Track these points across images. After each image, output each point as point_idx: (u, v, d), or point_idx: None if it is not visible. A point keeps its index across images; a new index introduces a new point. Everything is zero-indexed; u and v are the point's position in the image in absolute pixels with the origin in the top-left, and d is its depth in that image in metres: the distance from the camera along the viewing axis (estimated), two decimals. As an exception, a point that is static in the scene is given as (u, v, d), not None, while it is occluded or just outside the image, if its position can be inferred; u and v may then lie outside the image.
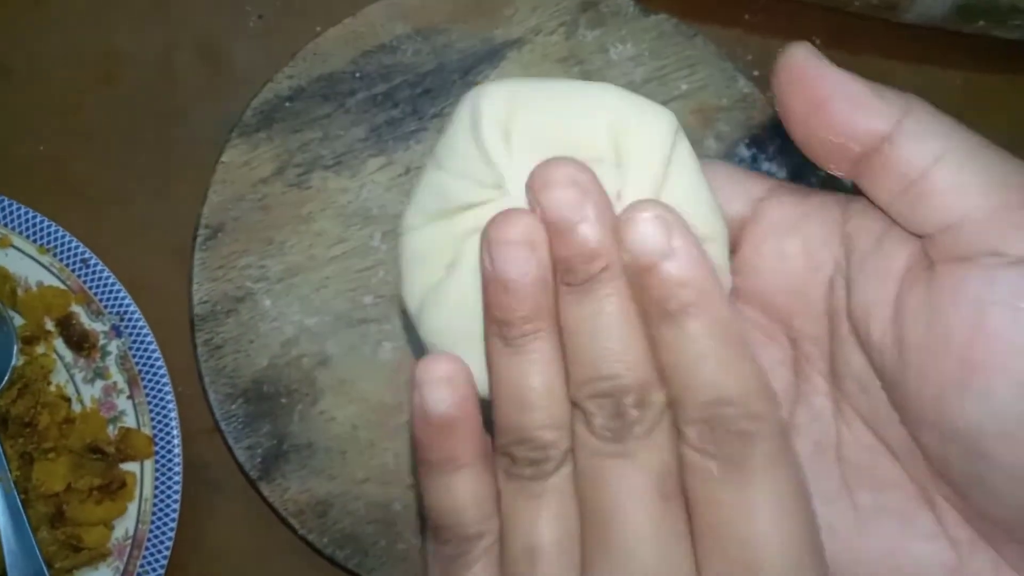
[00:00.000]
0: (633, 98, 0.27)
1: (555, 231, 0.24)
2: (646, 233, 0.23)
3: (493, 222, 0.24)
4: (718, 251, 0.27)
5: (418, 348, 0.27)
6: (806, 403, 0.28)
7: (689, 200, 0.26)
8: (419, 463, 0.26)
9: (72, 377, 0.48)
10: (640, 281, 0.24)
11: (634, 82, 0.51)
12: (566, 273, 0.24)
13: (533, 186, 0.24)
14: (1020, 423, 0.22)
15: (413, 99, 0.50)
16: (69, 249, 0.48)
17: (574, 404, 0.24)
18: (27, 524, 0.45)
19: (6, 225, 0.48)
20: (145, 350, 0.47)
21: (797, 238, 0.28)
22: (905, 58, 0.54)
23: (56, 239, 0.48)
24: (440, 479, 0.25)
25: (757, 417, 0.23)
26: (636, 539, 0.23)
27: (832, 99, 0.25)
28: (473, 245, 0.26)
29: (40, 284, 0.48)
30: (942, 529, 0.25)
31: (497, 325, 0.24)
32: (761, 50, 0.54)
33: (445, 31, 0.51)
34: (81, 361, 0.48)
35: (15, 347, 0.47)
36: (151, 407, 0.47)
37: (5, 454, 0.46)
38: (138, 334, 0.47)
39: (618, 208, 0.25)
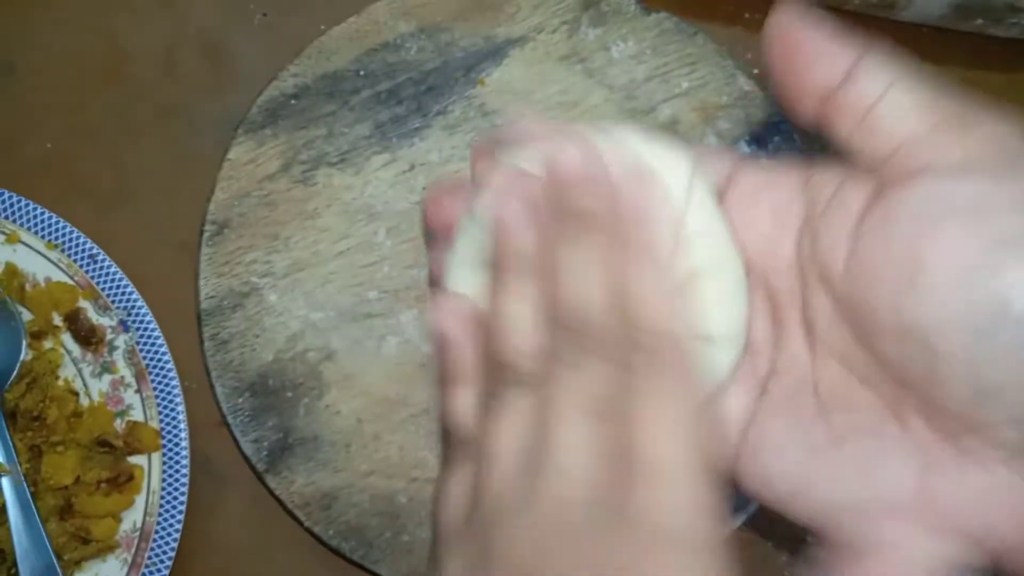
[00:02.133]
0: (654, 137, 0.30)
1: (557, 187, 0.28)
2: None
3: (499, 186, 0.28)
4: (728, 284, 0.29)
5: None
6: (785, 349, 0.30)
7: (707, 231, 0.29)
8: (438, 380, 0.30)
9: (80, 371, 0.48)
10: (621, 228, 0.28)
11: (635, 80, 0.51)
12: (561, 219, 0.28)
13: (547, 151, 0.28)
14: (960, 313, 0.25)
15: (417, 96, 0.51)
16: (77, 245, 0.49)
17: (550, 333, 0.28)
18: (37, 516, 0.46)
19: (15, 222, 0.49)
20: (152, 344, 0.48)
21: (765, 202, 0.30)
22: (902, 56, 0.54)
23: (64, 235, 0.49)
24: (447, 390, 0.29)
25: (655, 338, 0.27)
26: (564, 449, 0.26)
27: (807, 41, 0.29)
28: None
29: (48, 280, 0.48)
30: (908, 435, 0.27)
31: (493, 266, 0.28)
32: (761, 48, 0.54)
33: (448, 29, 0.51)
34: (89, 356, 0.48)
35: (23, 342, 0.48)
36: (158, 401, 0.48)
37: (15, 447, 0.46)
38: (145, 329, 0.48)
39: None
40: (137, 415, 0.48)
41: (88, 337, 0.48)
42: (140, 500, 0.47)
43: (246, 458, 0.47)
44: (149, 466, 0.47)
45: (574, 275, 0.27)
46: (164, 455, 0.47)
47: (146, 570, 0.46)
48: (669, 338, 0.27)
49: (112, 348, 0.48)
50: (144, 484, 0.47)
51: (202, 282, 0.48)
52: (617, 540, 0.25)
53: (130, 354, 0.48)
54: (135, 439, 0.47)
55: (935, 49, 0.54)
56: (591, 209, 0.28)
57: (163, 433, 0.47)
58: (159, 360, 0.48)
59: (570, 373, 0.27)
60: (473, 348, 0.29)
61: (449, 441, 0.30)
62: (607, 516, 0.26)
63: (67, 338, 0.49)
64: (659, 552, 0.25)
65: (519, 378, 0.28)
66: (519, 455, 0.27)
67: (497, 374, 0.28)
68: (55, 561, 0.45)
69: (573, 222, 0.28)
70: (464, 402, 0.29)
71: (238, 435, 0.47)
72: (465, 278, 0.30)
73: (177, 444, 0.47)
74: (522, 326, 0.28)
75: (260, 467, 0.47)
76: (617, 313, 0.27)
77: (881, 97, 0.28)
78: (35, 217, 0.49)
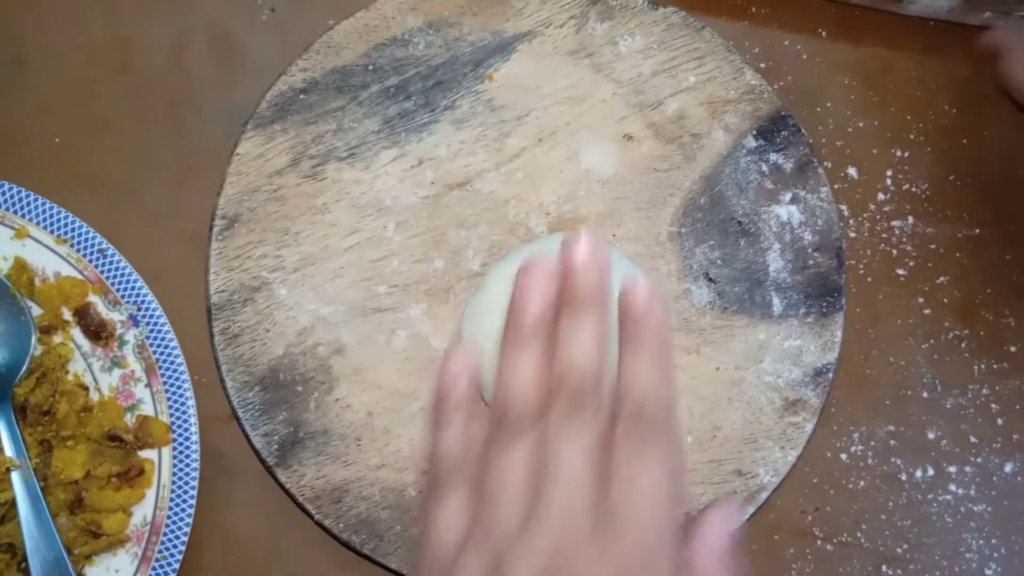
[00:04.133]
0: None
1: (568, 273, 0.34)
2: (637, 296, 0.34)
3: (522, 268, 0.34)
4: None
5: None
6: None
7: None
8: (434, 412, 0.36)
9: (90, 366, 0.48)
10: (622, 317, 0.34)
11: (643, 74, 0.52)
12: (568, 300, 0.34)
13: (564, 244, 0.34)
14: None
15: (425, 91, 0.51)
16: (86, 239, 0.49)
17: (551, 389, 0.33)
18: (47, 510, 0.46)
19: (24, 216, 0.49)
20: (162, 339, 0.48)
21: None
22: (910, 50, 0.55)
23: (73, 229, 0.49)
24: (440, 424, 0.35)
25: (661, 419, 0.33)
26: (570, 475, 0.32)
27: None
28: None
29: (58, 274, 0.49)
30: None
31: (512, 330, 0.34)
32: (768, 43, 0.54)
33: (456, 24, 0.52)
34: (98, 350, 0.48)
35: (33, 337, 0.48)
36: (169, 395, 0.48)
37: (25, 442, 0.46)
38: (155, 323, 0.48)
39: None
40: (147, 409, 0.48)
41: (98, 332, 0.48)
42: (150, 494, 0.47)
43: (256, 452, 0.47)
44: (159, 460, 0.47)
45: (575, 344, 0.33)
46: (174, 449, 0.47)
47: (156, 564, 0.46)
48: (661, 407, 0.33)
49: (122, 342, 0.48)
50: (154, 478, 0.47)
51: (212, 276, 0.48)
52: (606, 551, 0.31)
53: (140, 348, 0.48)
54: (145, 433, 0.47)
55: (943, 43, 0.54)
56: (591, 292, 0.34)
57: (173, 427, 0.47)
58: (169, 354, 0.48)
59: (568, 423, 0.33)
60: (469, 391, 0.35)
61: (436, 470, 0.35)
62: (596, 532, 0.32)
63: (77, 333, 0.49)
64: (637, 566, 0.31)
65: (522, 426, 0.33)
66: (521, 490, 0.33)
67: (502, 419, 0.34)
68: (65, 555, 0.45)
69: (576, 302, 0.34)
70: (455, 435, 0.35)
71: (248, 429, 0.47)
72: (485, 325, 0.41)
73: (187, 438, 0.47)
74: (528, 382, 0.33)
75: (270, 461, 0.47)
76: (625, 386, 0.33)
77: None
78: (44, 211, 0.49)
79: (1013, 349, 0.52)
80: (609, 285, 0.34)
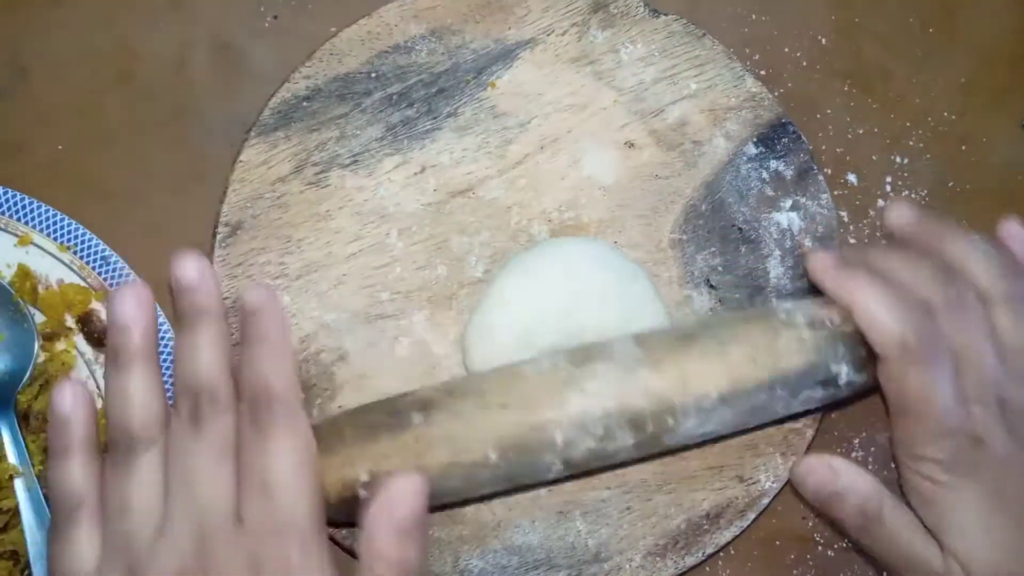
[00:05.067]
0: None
1: (179, 292, 0.38)
2: (249, 296, 0.38)
3: (112, 297, 0.38)
4: None
5: None
6: None
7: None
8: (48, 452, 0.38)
9: (93, 373, 0.48)
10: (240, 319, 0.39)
11: (644, 82, 0.52)
12: (181, 317, 0.38)
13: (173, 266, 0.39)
14: None
15: (428, 99, 0.51)
16: (90, 247, 0.49)
17: (173, 405, 0.37)
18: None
19: (27, 223, 0.49)
20: (166, 346, 0.48)
21: None
22: (909, 57, 0.55)
23: (76, 237, 0.49)
24: (55, 462, 0.37)
25: (276, 401, 0.36)
26: (202, 473, 0.36)
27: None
28: None
29: (61, 281, 0.49)
30: None
31: (116, 357, 0.37)
32: (768, 50, 0.55)
33: (459, 32, 0.52)
34: (102, 357, 0.48)
35: (36, 344, 0.48)
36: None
37: (28, 449, 0.47)
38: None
39: None
40: (150, 416, 0.48)
41: (101, 339, 0.48)
42: (154, 501, 0.47)
43: (259, 459, 0.48)
44: (163, 467, 0.47)
45: (193, 357, 0.37)
46: (178, 456, 0.47)
47: (160, 571, 0.46)
48: (286, 403, 0.37)
49: (125, 350, 0.48)
50: (158, 485, 0.47)
51: (215, 283, 0.49)
52: (243, 539, 0.35)
53: (143, 355, 0.48)
54: (148, 440, 0.47)
55: (941, 49, 0.55)
56: (203, 307, 0.38)
57: (176, 434, 0.47)
58: (173, 362, 0.48)
59: (194, 429, 0.36)
60: (85, 424, 0.37)
61: (56, 508, 0.37)
62: (236, 522, 0.35)
63: (80, 340, 0.49)
64: (272, 542, 0.34)
65: (142, 443, 0.36)
66: (152, 501, 0.35)
67: (120, 442, 0.36)
68: (69, 562, 0.45)
69: (188, 319, 0.38)
70: (74, 472, 0.37)
71: (251, 436, 0.47)
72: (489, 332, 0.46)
73: (190, 445, 0.47)
74: (142, 402, 0.36)
75: (273, 468, 0.47)
76: (245, 384, 0.37)
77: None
78: (47, 219, 0.49)
79: (1012, 355, 0.52)
80: (217, 299, 0.39)
